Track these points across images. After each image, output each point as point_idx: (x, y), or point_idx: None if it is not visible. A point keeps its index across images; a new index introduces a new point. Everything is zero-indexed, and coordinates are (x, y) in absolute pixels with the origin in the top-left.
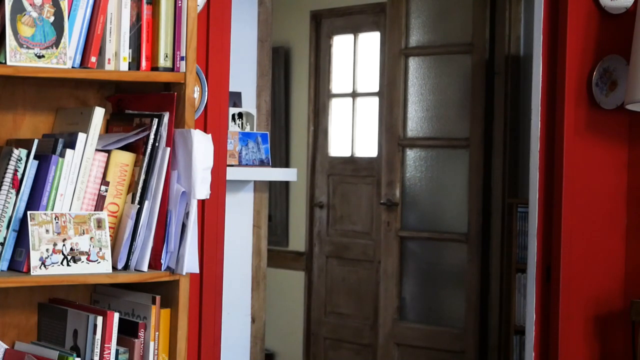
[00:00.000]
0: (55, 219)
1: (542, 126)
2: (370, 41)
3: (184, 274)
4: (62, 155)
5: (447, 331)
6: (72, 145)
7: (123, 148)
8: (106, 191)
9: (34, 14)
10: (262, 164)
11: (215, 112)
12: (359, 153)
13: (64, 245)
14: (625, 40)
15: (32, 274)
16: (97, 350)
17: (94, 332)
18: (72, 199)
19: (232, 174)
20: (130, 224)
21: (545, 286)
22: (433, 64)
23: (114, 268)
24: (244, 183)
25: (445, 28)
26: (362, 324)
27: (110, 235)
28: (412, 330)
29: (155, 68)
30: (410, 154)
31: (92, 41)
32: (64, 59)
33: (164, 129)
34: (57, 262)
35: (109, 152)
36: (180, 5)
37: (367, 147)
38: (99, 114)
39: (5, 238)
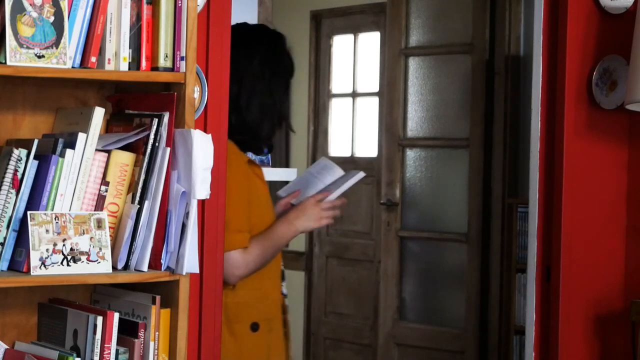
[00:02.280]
0: (55, 219)
1: (542, 126)
2: (370, 41)
3: (184, 274)
4: (62, 155)
5: (447, 331)
6: (72, 145)
7: (123, 148)
8: (106, 191)
9: (34, 14)
10: (262, 164)
11: (215, 112)
12: (359, 153)
13: (64, 245)
14: (625, 40)
15: (32, 274)
16: (97, 350)
17: (94, 332)
18: (72, 199)
19: None
20: (130, 224)
21: (545, 286)
22: (433, 64)
23: (114, 268)
24: None
25: (445, 28)
26: (362, 324)
27: (110, 235)
28: (412, 330)
29: (155, 68)
30: (410, 154)
31: (92, 41)
32: (64, 59)
33: (164, 129)
34: (57, 262)
35: (109, 152)
36: (180, 5)
37: (367, 147)
38: (99, 114)
39: (5, 238)
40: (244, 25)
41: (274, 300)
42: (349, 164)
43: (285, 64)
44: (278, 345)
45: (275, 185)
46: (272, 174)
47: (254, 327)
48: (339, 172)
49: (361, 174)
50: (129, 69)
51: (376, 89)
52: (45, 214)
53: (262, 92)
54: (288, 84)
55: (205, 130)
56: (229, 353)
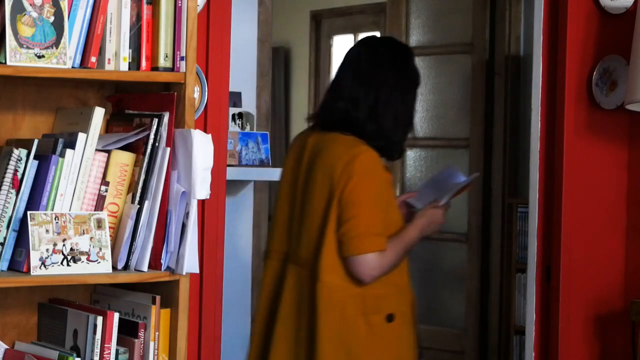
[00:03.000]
0: (55, 219)
1: (542, 126)
2: None
3: (184, 274)
4: (62, 155)
5: (447, 331)
6: (72, 145)
7: (123, 148)
8: (106, 191)
9: (34, 14)
10: (262, 164)
11: (215, 112)
12: None
13: (64, 245)
14: (625, 40)
15: (32, 274)
16: (97, 350)
17: (94, 332)
18: (72, 199)
19: (232, 174)
20: (130, 224)
21: (545, 286)
22: (433, 64)
23: (114, 268)
24: (244, 183)
25: (445, 28)
26: None
27: (110, 235)
28: None
29: (155, 68)
30: (410, 154)
31: (92, 41)
32: (64, 59)
33: (164, 129)
34: (57, 262)
35: (109, 152)
36: (180, 5)
37: None
38: (99, 114)
39: (5, 238)
40: (374, 39)
41: (408, 295)
42: None
43: (415, 75)
44: (409, 339)
45: (275, 185)
46: (272, 174)
47: (390, 318)
48: (462, 178)
49: (474, 175)
50: (129, 69)
51: None
52: (45, 214)
53: (397, 101)
54: (417, 93)
55: (205, 130)
56: (362, 343)
